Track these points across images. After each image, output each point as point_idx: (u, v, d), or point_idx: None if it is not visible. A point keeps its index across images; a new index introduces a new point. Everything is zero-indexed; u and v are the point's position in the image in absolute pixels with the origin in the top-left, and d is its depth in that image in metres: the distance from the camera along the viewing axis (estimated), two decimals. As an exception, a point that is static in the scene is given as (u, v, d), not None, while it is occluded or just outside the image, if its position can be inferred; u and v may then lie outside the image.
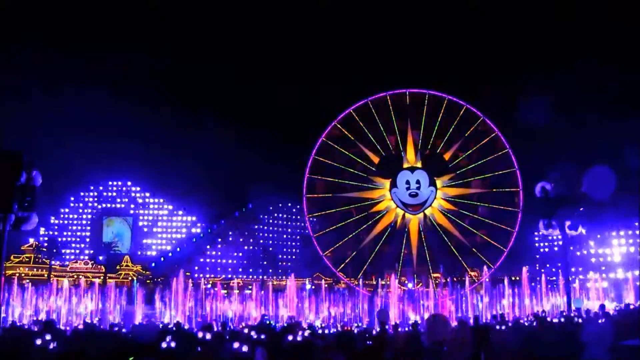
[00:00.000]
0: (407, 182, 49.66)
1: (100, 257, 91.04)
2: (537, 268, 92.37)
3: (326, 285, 46.86)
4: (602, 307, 30.32)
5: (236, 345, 11.78)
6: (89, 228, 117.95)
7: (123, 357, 11.75)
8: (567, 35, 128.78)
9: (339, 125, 50.80)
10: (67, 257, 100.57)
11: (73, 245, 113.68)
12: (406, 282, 52.43)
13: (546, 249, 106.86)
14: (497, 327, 19.26)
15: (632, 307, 34.29)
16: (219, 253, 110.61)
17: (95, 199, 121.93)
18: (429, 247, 49.63)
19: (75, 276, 76.41)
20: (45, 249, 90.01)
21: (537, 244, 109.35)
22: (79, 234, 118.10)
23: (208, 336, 12.92)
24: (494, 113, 52.52)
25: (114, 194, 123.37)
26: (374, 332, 19.46)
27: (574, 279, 53.25)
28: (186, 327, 25.34)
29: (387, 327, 19.22)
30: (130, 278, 79.88)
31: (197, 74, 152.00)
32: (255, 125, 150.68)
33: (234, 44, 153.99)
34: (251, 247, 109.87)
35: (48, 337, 12.83)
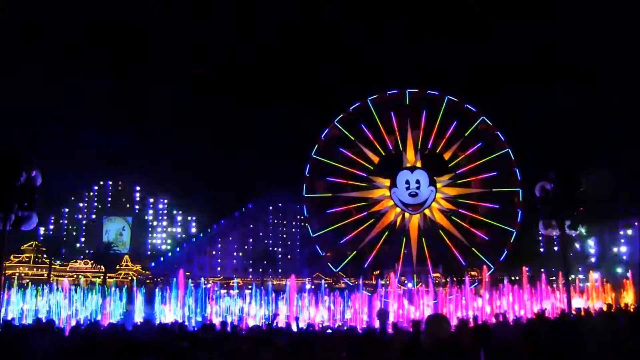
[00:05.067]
0: (407, 182, 49.63)
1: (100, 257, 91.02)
2: (537, 268, 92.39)
3: (326, 285, 46.86)
4: (607, 306, 30.33)
5: (235, 345, 11.79)
6: (89, 228, 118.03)
7: (123, 356, 11.75)
8: (567, 34, 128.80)
9: (338, 125, 50.80)
10: (67, 257, 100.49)
11: (73, 244, 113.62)
12: (406, 282, 52.43)
13: (546, 249, 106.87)
14: (497, 326, 19.26)
15: (631, 307, 34.33)
16: (219, 253, 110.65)
17: (96, 199, 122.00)
18: (429, 247, 49.61)
19: (75, 276, 76.46)
20: (45, 249, 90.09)
21: (537, 244, 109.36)
22: (79, 234, 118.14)
23: (209, 336, 12.93)
24: (494, 113, 52.41)
25: (114, 194, 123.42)
26: (374, 331, 19.42)
27: (574, 279, 53.34)
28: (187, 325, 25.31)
29: (386, 326, 19.23)
30: (130, 278, 79.88)
31: (197, 73, 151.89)
32: (255, 125, 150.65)
33: (233, 44, 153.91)
34: (251, 247, 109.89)
35: (47, 337, 12.83)
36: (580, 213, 22.31)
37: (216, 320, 30.49)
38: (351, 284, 48.67)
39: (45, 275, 77.37)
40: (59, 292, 41.34)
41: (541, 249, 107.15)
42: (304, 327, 22.33)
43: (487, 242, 49.01)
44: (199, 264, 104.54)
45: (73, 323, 30.50)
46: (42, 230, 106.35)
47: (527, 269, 48.80)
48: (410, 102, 51.00)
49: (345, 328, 27.27)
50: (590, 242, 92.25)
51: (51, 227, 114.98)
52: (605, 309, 27.14)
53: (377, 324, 23.34)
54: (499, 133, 49.96)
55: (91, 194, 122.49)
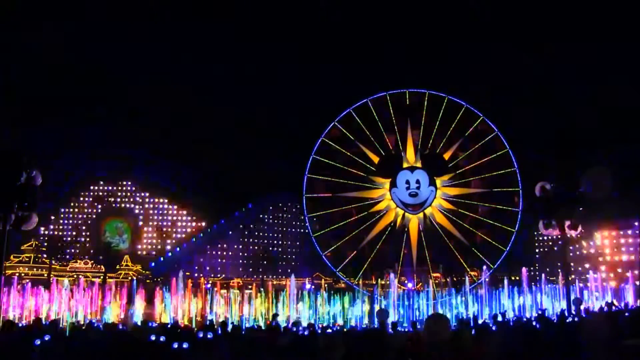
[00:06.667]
0: (407, 182, 49.61)
1: (100, 257, 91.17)
2: (537, 268, 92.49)
3: (326, 285, 46.87)
4: (608, 304, 30.27)
5: (236, 344, 11.78)
6: (89, 228, 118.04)
7: (123, 356, 11.76)
8: (568, 34, 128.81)
9: (338, 125, 50.78)
10: (67, 256, 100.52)
11: (73, 245, 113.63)
12: (406, 282, 52.41)
13: (546, 249, 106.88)
14: (497, 326, 19.25)
15: (631, 307, 34.28)
16: (219, 253, 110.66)
17: (96, 199, 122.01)
18: (429, 247, 49.57)
19: (75, 276, 76.41)
20: (45, 249, 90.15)
21: (537, 244, 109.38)
22: (79, 234, 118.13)
23: (209, 335, 12.92)
24: (494, 113, 52.47)
25: (114, 194, 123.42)
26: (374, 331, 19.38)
27: (574, 279, 53.28)
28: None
29: (386, 326, 19.23)
30: (130, 278, 79.86)
31: (198, 73, 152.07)
32: (255, 125, 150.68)
33: (233, 44, 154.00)
34: (251, 247, 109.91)
35: (47, 337, 12.82)
36: (580, 213, 22.31)
37: (216, 321, 30.50)
38: (351, 284, 48.64)
39: (45, 275, 77.39)
40: (58, 292, 41.35)
41: (541, 249, 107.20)
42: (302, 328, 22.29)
43: (487, 242, 48.98)
44: (199, 264, 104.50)
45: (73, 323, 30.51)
46: (42, 230, 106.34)
47: (526, 269, 48.75)
48: (411, 102, 50.99)
49: (345, 328, 27.29)
50: (591, 242, 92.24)
51: (51, 227, 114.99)
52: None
53: (377, 323, 23.33)
54: (499, 133, 49.97)
55: (91, 194, 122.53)
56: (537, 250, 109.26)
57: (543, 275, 49.45)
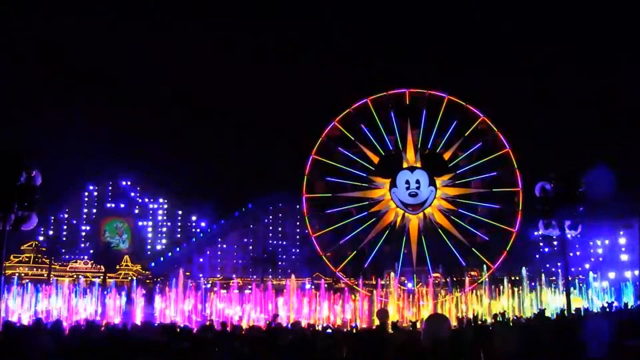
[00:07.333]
0: (407, 182, 49.60)
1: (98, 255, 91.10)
2: (537, 268, 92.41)
3: (326, 285, 46.87)
4: (609, 305, 30.29)
5: (236, 344, 11.78)
6: (89, 228, 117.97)
7: (123, 357, 11.75)
8: (568, 34, 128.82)
9: (338, 125, 50.77)
10: (67, 256, 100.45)
11: (73, 245, 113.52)
12: (406, 282, 52.40)
13: (546, 249, 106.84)
14: (497, 326, 19.27)
15: (630, 307, 34.29)
16: (219, 253, 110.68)
17: (95, 199, 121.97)
18: (429, 247, 49.57)
19: (75, 276, 76.42)
20: (45, 249, 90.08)
21: (537, 244, 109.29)
22: (79, 233, 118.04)
23: (208, 335, 12.93)
24: (494, 113, 52.39)
25: (114, 193, 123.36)
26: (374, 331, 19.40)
27: (574, 279, 53.34)
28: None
29: (386, 326, 19.23)
30: (129, 278, 79.84)
31: (196, 74, 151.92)
32: (255, 125, 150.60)
33: (233, 45, 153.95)
34: (251, 247, 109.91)
35: (47, 337, 12.81)
36: (580, 213, 22.28)
37: (216, 320, 30.52)
38: (351, 284, 48.63)
39: (45, 275, 77.34)
40: (58, 292, 41.38)
41: (542, 249, 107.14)
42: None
43: (487, 242, 48.99)
44: (199, 264, 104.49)
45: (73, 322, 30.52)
46: (42, 230, 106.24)
47: (526, 269, 48.82)
48: (411, 102, 50.98)
49: (345, 328, 27.31)
50: (590, 243, 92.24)
51: (51, 227, 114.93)
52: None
53: (377, 323, 23.35)
54: (499, 133, 49.97)
55: (91, 194, 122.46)
56: (537, 251, 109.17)
57: (543, 275, 49.52)
